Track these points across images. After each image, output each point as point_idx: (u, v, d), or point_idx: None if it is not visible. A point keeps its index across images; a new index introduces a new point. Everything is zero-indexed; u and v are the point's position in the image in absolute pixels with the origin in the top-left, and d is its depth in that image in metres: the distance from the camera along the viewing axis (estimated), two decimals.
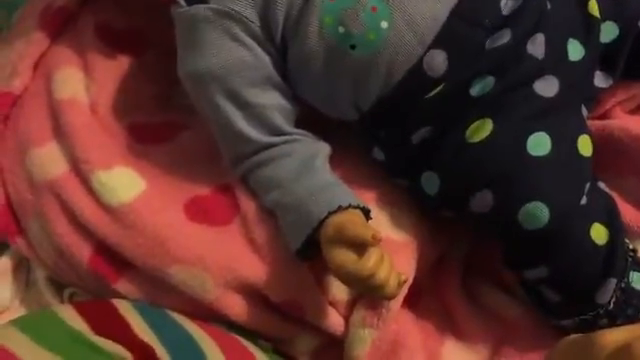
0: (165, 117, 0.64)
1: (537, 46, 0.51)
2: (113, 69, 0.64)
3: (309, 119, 0.56)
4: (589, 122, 0.56)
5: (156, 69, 0.65)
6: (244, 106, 0.52)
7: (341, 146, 0.56)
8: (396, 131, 0.53)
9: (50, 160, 0.57)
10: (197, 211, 0.55)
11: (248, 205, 0.54)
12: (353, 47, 0.50)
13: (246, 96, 0.51)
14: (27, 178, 0.58)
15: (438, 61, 0.50)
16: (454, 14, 0.50)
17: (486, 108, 0.50)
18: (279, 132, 0.53)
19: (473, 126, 0.51)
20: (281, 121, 0.53)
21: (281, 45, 0.52)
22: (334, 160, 0.55)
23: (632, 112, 0.60)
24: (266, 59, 0.52)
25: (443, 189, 0.52)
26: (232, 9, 0.50)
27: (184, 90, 0.56)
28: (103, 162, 0.56)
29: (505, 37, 0.50)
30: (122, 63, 0.64)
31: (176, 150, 0.60)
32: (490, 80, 0.50)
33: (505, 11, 0.51)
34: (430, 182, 0.53)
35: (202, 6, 0.51)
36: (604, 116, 0.59)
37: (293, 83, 0.53)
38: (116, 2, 0.65)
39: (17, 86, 0.62)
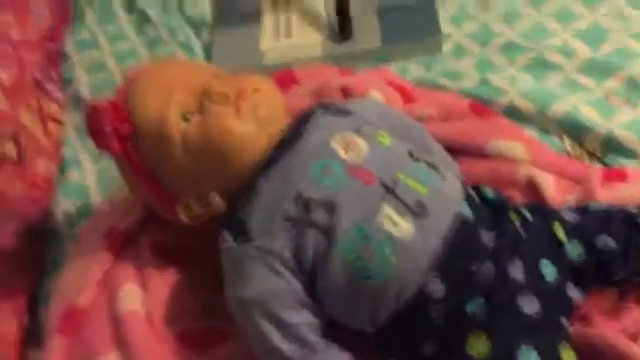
0: (210, 323, 0.74)
1: (517, 270, 0.62)
2: (165, 282, 0.75)
3: (335, 330, 0.66)
4: (571, 329, 0.64)
5: (201, 280, 0.77)
6: (281, 326, 0.62)
7: (361, 355, 0.65)
8: (407, 343, 0.63)
9: None
10: None
11: None
12: (369, 278, 0.62)
13: (283, 317, 0.62)
14: None
15: (437, 287, 0.61)
16: (447, 247, 0.62)
17: (481, 324, 0.60)
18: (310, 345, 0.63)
19: (471, 339, 0.60)
20: (312, 336, 0.63)
21: (311, 274, 0.63)
22: None
23: (607, 312, 0.69)
24: (298, 286, 0.63)
25: None
26: (272, 249, 0.63)
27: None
28: None
29: (490, 267, 0.62)
30: (173, 276, 0.76)
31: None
32: (481, 300, 0.61)
33: (487, 244, 0.63)
34: None
35: (248, 245, 0.64)
36: (583, 318, 0.68)
37: (321, 303, 0.64)
38: (170, 226, 0.78)
39: (82, 302, 0.73)
